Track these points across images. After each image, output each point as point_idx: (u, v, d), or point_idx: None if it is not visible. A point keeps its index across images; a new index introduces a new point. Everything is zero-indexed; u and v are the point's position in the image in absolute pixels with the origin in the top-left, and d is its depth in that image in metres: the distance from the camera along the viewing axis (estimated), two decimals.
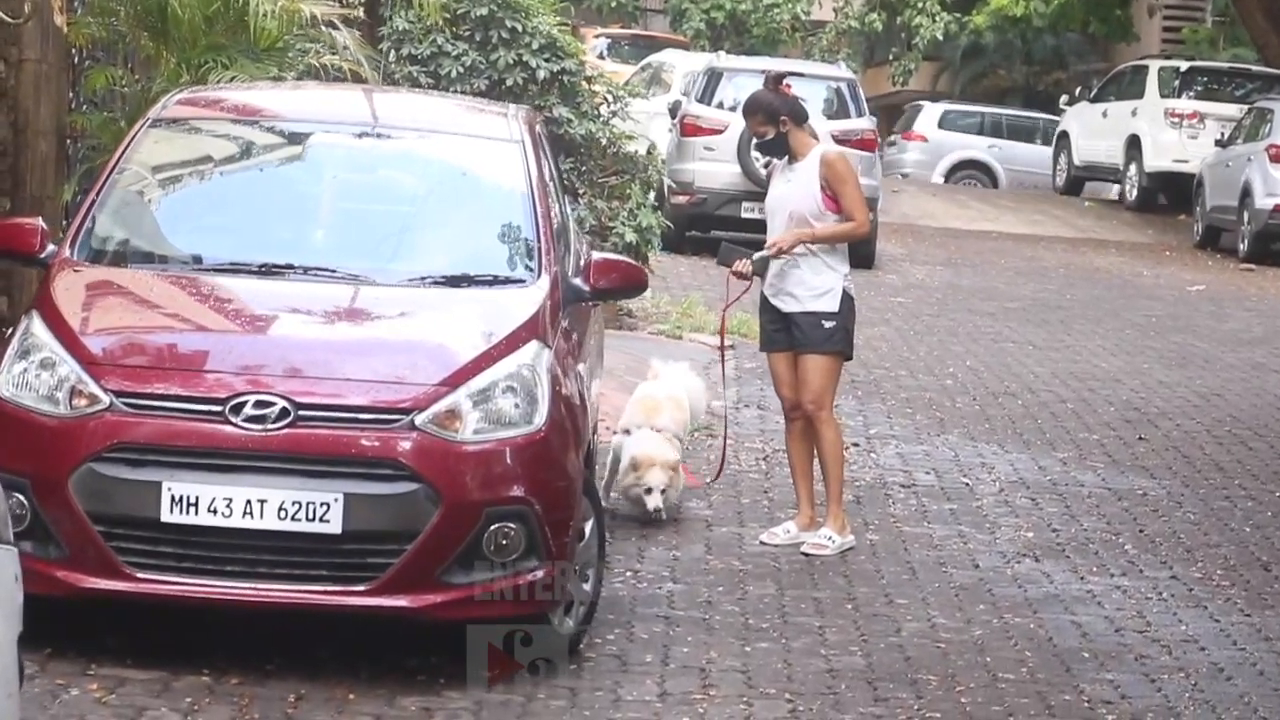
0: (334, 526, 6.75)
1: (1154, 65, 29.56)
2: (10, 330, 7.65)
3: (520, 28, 14.81)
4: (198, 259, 7.73)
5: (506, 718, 6.75)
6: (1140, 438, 12.56)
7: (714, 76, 21.20)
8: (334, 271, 7.61)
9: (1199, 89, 28.62)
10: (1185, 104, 28.18)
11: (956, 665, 7.74)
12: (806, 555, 9.23)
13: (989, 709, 7.25)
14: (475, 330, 7.33)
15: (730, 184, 20.10)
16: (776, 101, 9.35)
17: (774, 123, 9.32)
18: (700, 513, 9.97)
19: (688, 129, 20.69)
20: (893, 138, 36.98)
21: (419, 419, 6.88)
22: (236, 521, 6.73)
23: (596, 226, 14.79)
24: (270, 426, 6.80)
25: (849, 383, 13.11)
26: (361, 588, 6.82)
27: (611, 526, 9.03)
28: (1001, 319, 17.85)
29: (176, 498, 6.72)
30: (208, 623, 7.19)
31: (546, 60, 14.84)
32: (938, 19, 34.99)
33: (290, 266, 7.60)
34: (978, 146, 34.76)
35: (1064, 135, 31.55)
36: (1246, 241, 24.24)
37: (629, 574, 8.68)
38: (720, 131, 20.28)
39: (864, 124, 20.92)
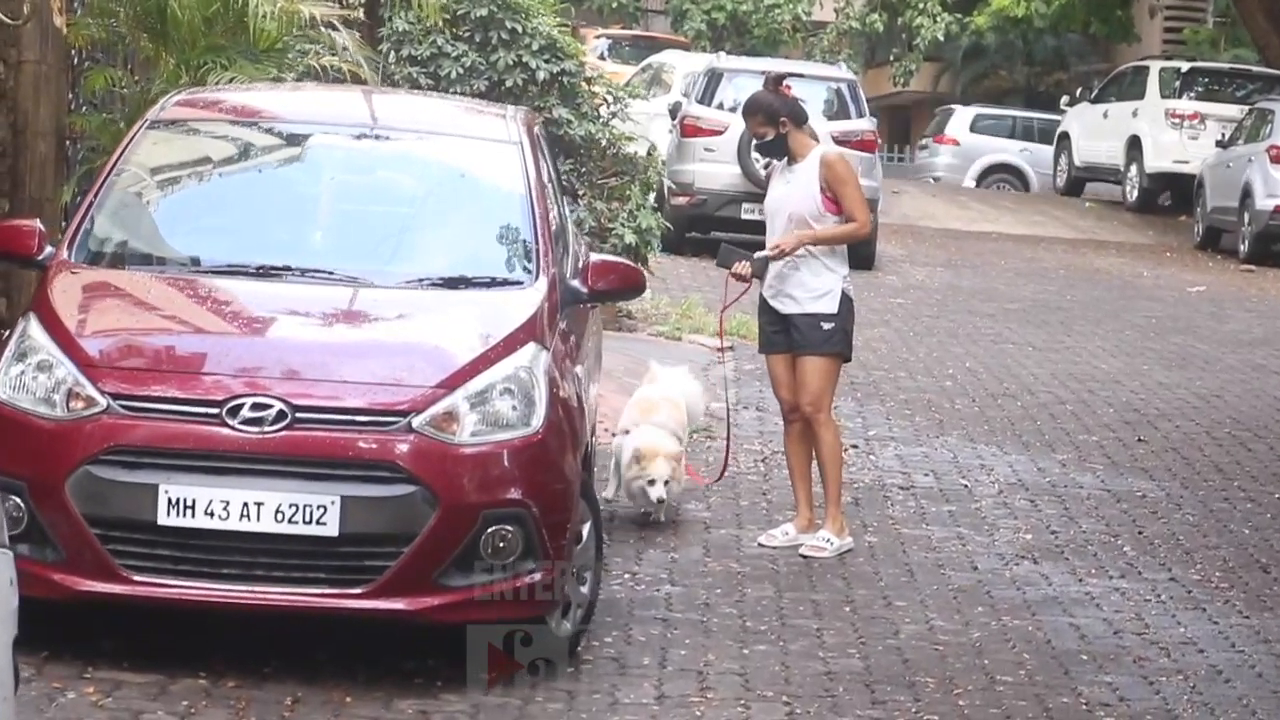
0: (331, 529, 6.75)
1: (1155, 66, 29.55)
2: (8, 332, 7.65)
3: (520, 29, 14.81)
4: (196, 261, 7.73)
5: None
6: (1139, 439, 12.56)
7: (714, 77, 21.19)
8: (332, 273, 7.61)
9: (1200, 90, 28.62)
10: (1186, 105, 28.18)
11: (954, 667, 7.73)
12: (805, 557, 9.22)
13: (987, 711, 7.25)
14: (473, 332, 7.32)
15: (730, 185, 20.10)
16: (776, 103, 9.35)
17: (774, 124, 9.31)
18: (698, 515, 9.96)
19: (688, 130, 20.68)
20: (924, 141, 37.02)
21: (416, 421, 6.88)
22: (233, 524, 6.72)
23: (596, 228, 14.78)
24: (267, 429, 6.80)
25: (848, 384, 13.11)
26: (359, 590, 6.81)
27: (609, 529, 9.03)
28: (1001, 320, 17.85)
29: (173, 500, 6.72)
30: (205, 626, 7.19)
31: (546, 61, 14.83)
32: (939, 20, 34.97)
33: (288, 268, 7.59)
34: (1010, 150, 34.76)
35: (1065, 136, 31.55)
36: (1247, 242, 24.23)
37: (627, 576, 8.68)
38: (720, 132, 20.27)
39: (864, 125, 20.92)
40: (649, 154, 16.32)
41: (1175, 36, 36.39)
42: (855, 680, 7.48)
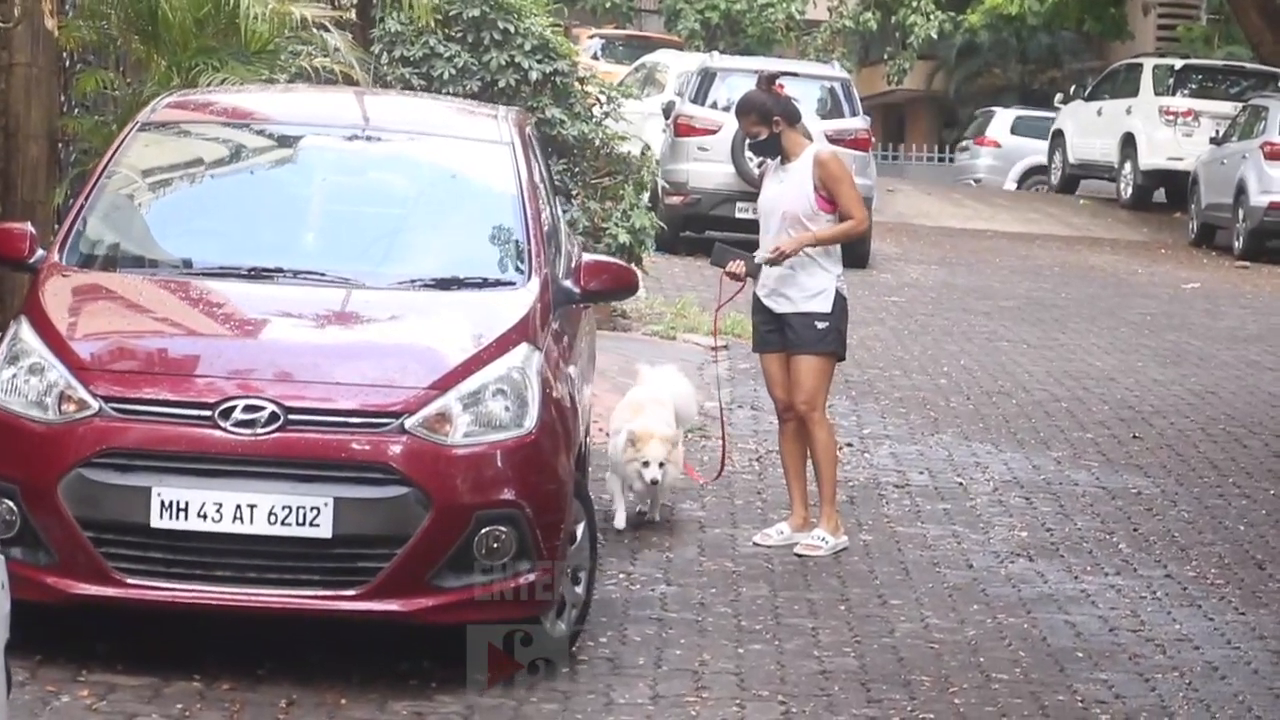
0: (324, 531, 6.74)
1: (1149, 63, 29.55)
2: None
3: (512, 29, 14.79)
4: (187, 263, 7.72)
5: None
6: (1134, 436, 12.56)
7: (707, 77, 21.19)
8: (324, 275, 7.59)
9: (1194, 87, 28.62)
10: (1180, 102, 28.17)
11: (950, 666, 7.73)
12: (800, 556, 9.22)
13: (982, 709, 7.24)
14: (465, 333, 7.31)
15: (724, 184, 20.09)
16: (769, 102, 9.35)
17: (767, 123, 9.31)
18: (693, 514, 9.95)
19: (681, 129, 20.69)
20: (964, 143, 36.98)
21: (409, 422, 6.87)
22: (226, 526, 6.71)
23: (590, 228, 14.77)
24: (260, 431, 6.79)
25: (842, 383, 13.10)
26: (352, 592, 6.81)
27: (604, 528, 9.01)
28: (996, 318, 17.85)
29: (166, 503, 6.70)
30: (198, 628, 7.17)
31: (539, 61, 14.82)
32: (932, 18, 34.97)
33: (280, 270, 7.58)
34: None
35: (1059, 134, 31.54)
36: (1241, 239, 24.24)
37: (621, 576, 8.67)
38: (714, 132, 20.27)
39: (858, 123, 20.93)
40: (643, 154, 16.30)
41: (1169, 33, 36.41)
42: (851, 679, 7.47)
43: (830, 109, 20.99)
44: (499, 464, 6.96)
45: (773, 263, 9.26)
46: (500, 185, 8.07)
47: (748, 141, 9.80)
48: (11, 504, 6.79)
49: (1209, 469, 11.76)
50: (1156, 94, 28.42)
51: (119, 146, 8.07)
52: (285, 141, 8.43)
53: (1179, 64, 29.14)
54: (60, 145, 10.81)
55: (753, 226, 10.40)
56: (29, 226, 7.78)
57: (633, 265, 12.83)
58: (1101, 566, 9.44)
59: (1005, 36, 41.08)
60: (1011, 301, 19.13)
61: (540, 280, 7.67)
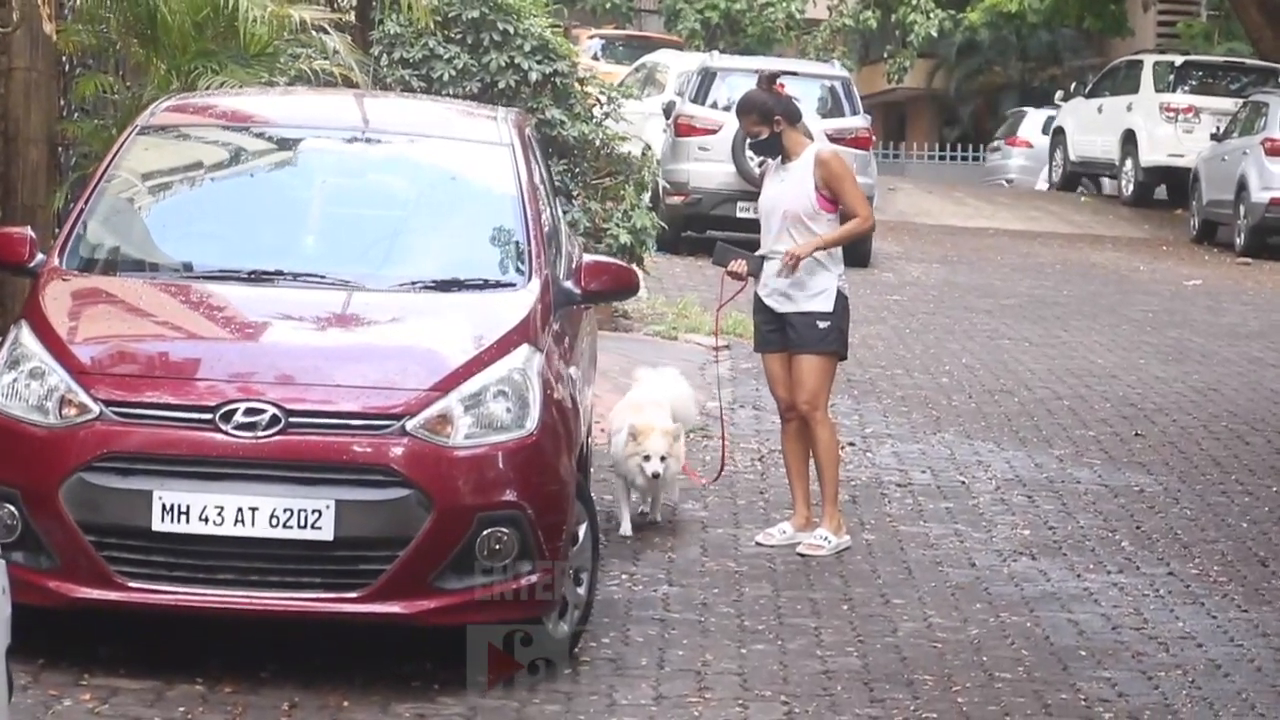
0: (326, 533, 6.74)
1: (1149, 60, 29.54)
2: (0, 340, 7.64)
3: (512, 30, 14.78)
4: (188, 266, 7.73)
5: None
6: (1137, 434, 12.55)
7: (708, 76, 21.19)
8: (324, 277, 7.59)
9: (1194, 83, 28.61)
10: (1180, 98, 28.17)
11: (953, 665, 7.72)
12: (802, 556, 9.21)
13: (985, 709, 7.23)
14: (466, 335, 7.31)
15: (725, 184, 20.10)
16: (770, 101, 9.34)
17: (768, 122, 9.31)
18: (696, 514, 9.95)
19: (682, 129, 20.69)
20: (996, 143, 36.98)
21: (410, 424, 6.87)
22: (228, 529, 6.72)
23: (591, 228, 14.77)
24: (261, 434, 6.79)
25: (844, 382, 13.09)
26: (354, 594, 6.81)
27: (606, 529, 9.01)
28: (998, 316, 17.84)
29: (167, 506, 6.71)
30: (201, 631, 7.17)
31: (539, 62, 14.81)
32: (932, 16, 34.94)
33: (280, 273, 7.58)
34: None
35: (1059, 131, 31.53)
36: (1243, 235, 24.22)
37: (624, 576, 8.67)
38: (714, 131, 20.27)
39: (858, 122, 20.93)
40: (643, 154, 16.30)
41: (1169, 30, 36.38)
42: (854, 679, 7.47)
43: (831, 108, 20.99)
44: (500, 465, 6.96)
45: (790, 270, 9.23)
46: (500, 186, 8.07)
47: (748, 141, 9.80)
48: (13, 508, 6.79)
49: (1212, 466, 11.75)
50: (1157, 91, 28.41)
51: (119, 150, 8.07)
52: (285, 144, 8.43)
53: (1179, 60, 29.13)
54: (60, 149, 10.81)
55: (754, 226, 10.39)
56: (29, 231, 7.78)
57: (634, 265, 12.84)
58: (1104, 564, 9.43)
59: (1005, 34, 41.06)
60: (1013, 299, 19.12)
61: (541, 281, 7.66)
